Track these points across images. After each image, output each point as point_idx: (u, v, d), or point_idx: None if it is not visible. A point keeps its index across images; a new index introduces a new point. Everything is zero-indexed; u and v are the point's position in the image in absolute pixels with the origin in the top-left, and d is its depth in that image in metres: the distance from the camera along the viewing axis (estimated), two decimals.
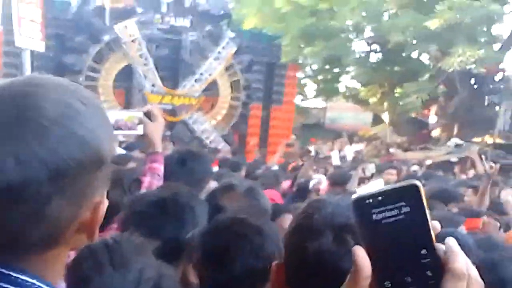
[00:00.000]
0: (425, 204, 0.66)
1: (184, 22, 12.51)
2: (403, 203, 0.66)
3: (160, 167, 2.33)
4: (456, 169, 11.12)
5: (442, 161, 13.05)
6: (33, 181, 0.68)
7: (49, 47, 11.49)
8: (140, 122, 2.31)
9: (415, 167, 10.68)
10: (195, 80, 12.54)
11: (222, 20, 13.24)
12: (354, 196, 0.68)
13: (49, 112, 0.70)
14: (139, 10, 12.19)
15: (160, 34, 12.19)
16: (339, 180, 5.56)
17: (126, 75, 12.33)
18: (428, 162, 11.93)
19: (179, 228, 1.74)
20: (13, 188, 0.67)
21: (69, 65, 11.47)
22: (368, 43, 17.77)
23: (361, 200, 0.67)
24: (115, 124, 2.30)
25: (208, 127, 12.93)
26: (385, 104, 17.93)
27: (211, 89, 13.18)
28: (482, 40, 15.00)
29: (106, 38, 11.72)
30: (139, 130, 2.31)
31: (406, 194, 0.66)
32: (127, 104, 12.43)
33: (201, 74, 12.56)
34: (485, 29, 15.40)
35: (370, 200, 0.67)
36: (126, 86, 12.50)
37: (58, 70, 11.60)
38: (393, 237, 0.66)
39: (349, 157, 11.61)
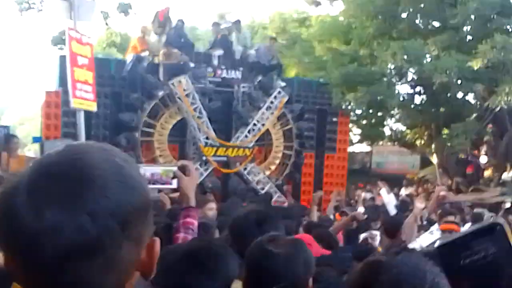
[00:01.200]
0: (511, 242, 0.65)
1: (236, 74, 12.58)
2: (489, 244, 0.66)
3: (194, 222, 2.35)
4: None
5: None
6: (108, 232, 0.76)
7: (106, 105, 11.76)
8: (175, 176, 2.38)
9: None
10: (248, 131, 12.50)
11: (272, 70, 13.27)
12: (437, 244, 0.71)
13: (101, 171, 0.79)
14: (191, 64, 12.33)
15: (212, 87, 12.29)
16: (393, 230, 5.38)
17: (180, 129, 12.42)
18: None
19: (210, 280, 1.77)
20: (91, 242, 0.75)
21: (125, 122, 11.60)
22: (411, 85, 17.62)
23: (446, 247, 0.69)
24: (151, 178, 2.41)
25: (262, 178, 12.76)
26: (433, 145, 17.53)
27: (264, 139, 13.11)
28: None
29: (160, 93, 11.85)
30: (174, 184, 2.40)
31: (491, 235, 0.67)
32: (182, 158, 12.42)
33: (254, 124, 12.53)
34: None
35: (456, 246, 0.68)
36: (180, 140, 12.54)
37: (115, 127, 11.78)
38: (483, 278, 0.66)
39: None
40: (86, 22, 9.29)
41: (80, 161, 0.80)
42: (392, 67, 15.87)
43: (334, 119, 13.91)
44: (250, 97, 12.50)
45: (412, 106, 17.48)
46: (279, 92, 12.65)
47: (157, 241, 0.88)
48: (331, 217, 7.83)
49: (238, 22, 13.68)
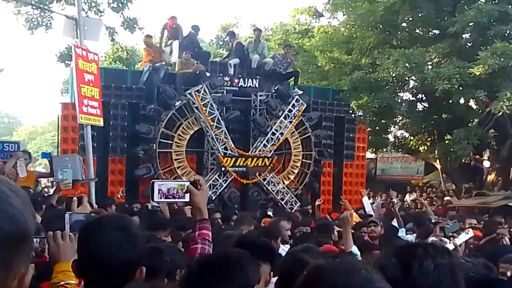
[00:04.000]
0: None
1: (253, 82, 12.43)
2: None
3: (209, 233, 2.47)
4: None
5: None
6: None
7: (123, 117, 11.61)
8: (188, 191, 2.47)
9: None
10: (267, 140, 12.32)
11: (289, 78, 13.12)
12: None
13: None
14: (207, 74, 12.19)
15: (230, 96, 12.09)
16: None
17: (198, 140, 12.22)
18: None
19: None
20: None
21: (142, 134, 11.42)
22: (413, 93, 17.63)
23: None
24: (168, 193, 2.55)
25: (281, 188, 12.55)
26: (436, 151, 17.48)
27: (282, 148, 12.93)
28: None
29: (177, 104, 11.69)
30: (186, 198, 2.49)
31: None
32: (200, 169, 12.25)
33: (273, 133, 12.35)
34: None
35: None
36: (198, 151, 12.35)
37: (132, 139, 11.61)
38: None
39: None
40: (93, 41, 9.24)
41: None
42: (394, 75, 15.91)
43: (353, 126, 13.67)
44: (268, 106, 12.33)
45: (415, 113, 17.49)
46: (297, 100, 12.49)
47: (29, 274, 0.91)
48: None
49: (258, 30, 13.55)
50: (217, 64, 12.82)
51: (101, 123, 9.49)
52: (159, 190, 2.57)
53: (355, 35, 17.01)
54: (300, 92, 12.91)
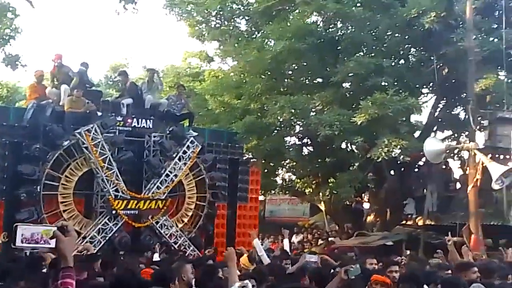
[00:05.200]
0: None
1: (147, 123, 12.18)
2: None
3: (72, 282, 2.39)
4: None
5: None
6: None
7: (3, 156, 10.74)
8: (53, 236, 2.39)
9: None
10: (161, 182, 12.02)
11: (183, 120, 13.05)
12: None
13: None
14: (98, 113, 11.74)
15: (122, 137, 11.72)
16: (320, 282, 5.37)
17: (87, 182, 11.59)
18: None
19: None
20: None
21: (25, 175, 10.61)
22: (300, 137, 18.53)
23: None
24: (31, 238, 2.43)
25: (175, 231, 12.24)
26: (320, 194, 18.45)
27: (176, 190, 12.69)
28: (403, 130, 16.11)
29: (65, 143, 11.07)
30: (52, 244, 2.40)
31: None
32: (88, 212, 11.61)
33: (167, 175, 12.10)
34: (405, 120, 16.62)
35: None
36: (87, 194, 11.71)
37: (14, 180, 10.75)
38: None
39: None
40: None
41: None
42: (281, 119, 16.70)
43: (247, 168, 13.84)
44: (162, 147, 12.11)
45: (301, 156, 18.34)
46: (192, 142, 12.41)
47: None
48: None
49: (152, 70, 13.40)
50: (109, 104, 12.43)
51: None
52: (22, 234, 2.44)
53: (244, 81, 17.54)
54: (195, 133, 12.88)
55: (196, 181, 12.80)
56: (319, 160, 17.73)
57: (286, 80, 17.90)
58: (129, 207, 11.59)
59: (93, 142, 11.19)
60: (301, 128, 17.17)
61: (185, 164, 12.35)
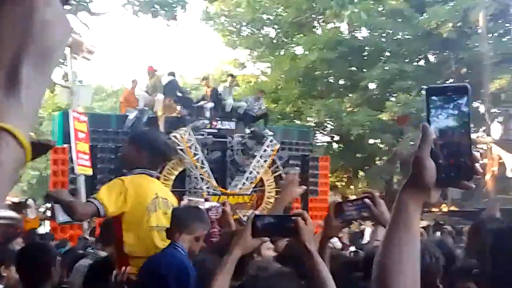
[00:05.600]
0: None
1: (229, 125, 13.13)
2: None
3: None
4: None
5: None
6: None
7: (109, 160, 11.73)
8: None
9: None
10: (246, 179, 12.96)
11: (259, 120, 13.97)
12: None
13: None
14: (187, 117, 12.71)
15: (211, 138, 12.68)
16: None
17: (180, 181, 12.56)
18: None
19: None
20: None
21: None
22: (331, 136, 19.78)
23: None
24: None
25: None
26: (352, 186, 19.55)
27: (256, 186, 13.62)
28: None
29: None
30: None
31: None
32: None
33: (250, 172, 13.03)
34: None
35: None
36: (180, 191, 12.65)
37: None
38: None
39: None
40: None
41: None
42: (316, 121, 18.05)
43: (316, 164, 14.74)
44: (245, 146, 13.07)
45: (332, 153, 19.52)
46: (271, 141, 13.36)
47: None
48: None
49: (232, 76, 14.37)
50: (194, 108, 13.38)
51: (91, 173, 11.14)
52: None
53: (280, 86, 19.18)
54: (271, 133, 13.82)
55: (274, 177, 13.75)
56: (350, 156, 19.05)
57: (318, 85, 19.34)
58: (220, 202, 12.54)
59: (188, 144, 12.18)
60: (333, 128, 18.57)
61: (265, 161, 13.31)
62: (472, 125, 1.02)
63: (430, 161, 0.99)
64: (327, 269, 1.96)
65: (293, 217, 2.00)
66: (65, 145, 10.91)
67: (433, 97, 1.03)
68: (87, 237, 8.65)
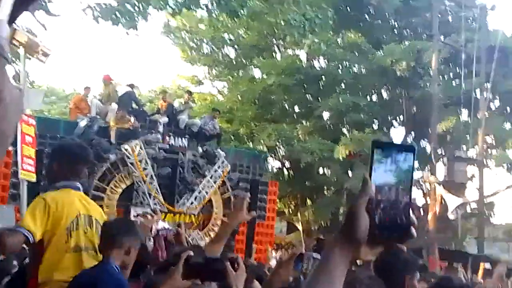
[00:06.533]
0: None
1: (182, 141, 12.96)
2: None
3: None
4: None
5: None
6: None
7: None
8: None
9: None
10: (194, 198, 12.78)
11: (212, 139, 13.89)
12: None
13: None
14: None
15: (162, 153, 12.46)
16: None
17: (127, 195, 12.22)
18: None
19: None
20: None
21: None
22: (282, 162, 20.01)
23: None
24: None
25: (204, 245, 12.97)
26: (299, 214, 19.87)
27: (203, 206, 13.46)
28: None
29: (112, 157, 11.73)
30: None
31: None
32: None
33: (199, 192, 12.87)
34: None
35: None
36: (125, 205, 12.32)
37: None
38: None
39: None
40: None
41: None
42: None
43: (265, 188, 14.73)
44: (196, 165, 12.91)
45: (282, 179, 19.77)
46: (223, 162, 13.27)
47: None
48: None
49: (189, 92, 14.22)
50: (146, 121, 13.15)
51: (35, 179, 10.26)
52: None
53: (235, 107, 19.15)
54: (223, 153, 13.73)
55: (223, 198, 13.62)
56: (299, 184, 19.29)
57: (273, 109, 19.57)
58: (166, 220, 12.27)
59: (138, 157, 11.90)
60: (284, 154, 18.84)
61: (215, 182, 13.18)
62: (415, 178, 1.00)
63: (364, 216, 0.95)
64: None
65: (225, 261, 2.03)
66: (10, 148, 10.43)
67: (379, 151, 0.99)
68: None
